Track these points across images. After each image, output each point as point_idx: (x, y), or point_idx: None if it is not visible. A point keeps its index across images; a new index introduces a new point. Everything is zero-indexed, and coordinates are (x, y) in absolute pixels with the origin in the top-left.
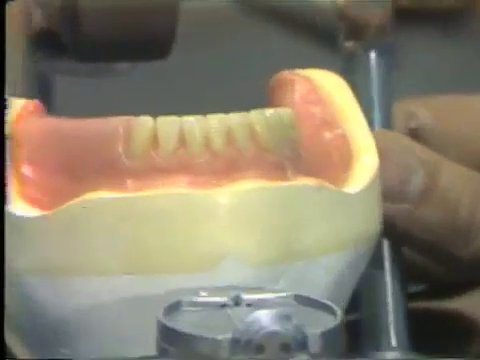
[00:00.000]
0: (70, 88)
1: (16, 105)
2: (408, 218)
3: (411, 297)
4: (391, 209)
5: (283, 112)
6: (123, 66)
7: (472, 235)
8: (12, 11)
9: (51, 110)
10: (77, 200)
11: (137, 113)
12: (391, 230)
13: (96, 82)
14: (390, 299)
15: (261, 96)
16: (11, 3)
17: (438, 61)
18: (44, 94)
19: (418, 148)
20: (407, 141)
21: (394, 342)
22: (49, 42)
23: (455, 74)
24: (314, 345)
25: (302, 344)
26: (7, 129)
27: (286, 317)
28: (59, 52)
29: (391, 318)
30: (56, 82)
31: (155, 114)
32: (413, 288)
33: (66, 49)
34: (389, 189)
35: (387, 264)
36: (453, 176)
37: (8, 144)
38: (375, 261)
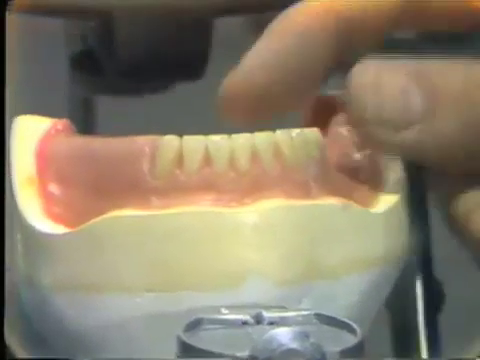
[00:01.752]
0: (109, 108)
1: (45, 124)
2: (422, 139)
3: None
4: (401, 136)
5: (309, 132)
6: (158, 87)
7: None
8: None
9: (91, 129)
10: (102, 217)
11: (163, 132)
12: (410, 157)
13: (127, 102)
14: (421, 308)
15: (291, 117)
16: (11, 3)
17: None
18: (84, 114)
19: (399, 65)
20: (388, 66)
21: (425, 354)
22: (89, 63)
23: None
24: None
25: None
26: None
27: (304, 335)
28: (98, 72)
29: (422, 329)
30: (96, 102)
31: (181, 133)
32: None
33: (104, 70)
34: (392, 119)
35: (418, 274)
36: (451, 76)
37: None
38: (406, 270)
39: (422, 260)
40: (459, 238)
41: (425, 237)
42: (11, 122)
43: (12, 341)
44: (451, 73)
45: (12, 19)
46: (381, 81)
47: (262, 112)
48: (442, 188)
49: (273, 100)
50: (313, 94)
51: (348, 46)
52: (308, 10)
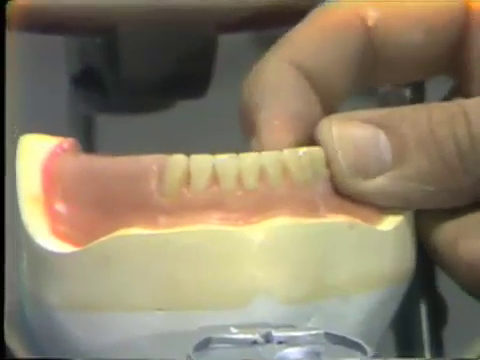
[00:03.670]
0: (110, 126)
1: (51, 143)
2: (395, 183)
3: None
4: (374, 184)
5: (316, 150)
6: (162, 104)
7: (469, 161)
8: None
9: (92, 148)
10: (109, 236)
11: (167, 150)
12: (386, 203)
13: (134, 120)
14: (424, 309)
15: None
16: (11, 3)
17: None
18: (85, 133)
19: (363, 114)
20: (353, 117)
21: (428, 355)
22: (91, 82)
23: None
24: None
25: None
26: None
27: (315, 354)
28: (100, 91)
29: (425, 329)
30: (97, 121)
31: (185, 151)
32: None
33: (106, 88)
34: (364, 168)
35: (420, 277)
36: (415, 118)
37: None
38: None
39: (424, 268)
40: (446, 268)
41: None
42: (14, 140)
43: (12, 341)
44: (415, 117)
45: (13, 37)
46: (347, 134)
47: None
48: (423, 222)
49: None
50: None
51: (321, 97)
52: (277, 66)
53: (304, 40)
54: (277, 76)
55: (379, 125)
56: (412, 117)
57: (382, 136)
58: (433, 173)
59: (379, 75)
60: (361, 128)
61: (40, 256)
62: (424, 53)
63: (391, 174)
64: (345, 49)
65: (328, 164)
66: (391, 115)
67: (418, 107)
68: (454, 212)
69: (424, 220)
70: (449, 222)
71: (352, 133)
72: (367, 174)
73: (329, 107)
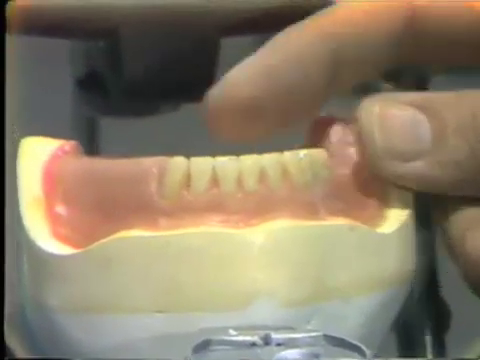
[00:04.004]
0: (113, 129)
1: (52, 145)
2: (431, 169)
3: None
4: (411, 167)
5: (317, 153)
6: (165, 108)
7: None
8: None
9: (95, 151)
10: (110, 238)
11: (169, 153)
12: (420, 188)
13: (137, 122)
14: (425, 308)
15: (296, 138)
16: (11, 4)
17: None
18: (89, 135)
19: (406, 96)
20: (395, 98)
21: (430, 355)
22: (94, 84)
23: None
24: None
25: None
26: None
27: (314, 356)
28: (103, 94)
29: (427, 327)
30: (100, 123)
31: (187, 154)
32: None
33: (109, 90)
34: (402, 150)
35: (422, 279)
36: (458, 105)
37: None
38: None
39: (426, 270)
40: (455, 259)
41: (430, 252)
42: (15, 143)
43: (12, 341)
44: (458, 102)
45: (14, 39)
46: (389, 114)
47: (249, 128)
48: (439, 209)
49: (261, 116)
50: (310, 115)
51: (346, 71)
52: (306, 32)
53: (345, 12)
54: (289, 39)
55: (420, 107)
56: (454, 101)
57: (423, 119)
58: (471, 158)
59: (417, 54)
60: (402, 110)
61: (41, 258)
62: (465, 36)
63: (429, 158)
64: (387, 24)
65: (362, 145)
66: (433, 98)
67: (461, 92)
68: (466, 204)
69: (440, 212)
70: (460, 214)
71: (393, 114)
72: (404, 157)
73: (360, 78)
